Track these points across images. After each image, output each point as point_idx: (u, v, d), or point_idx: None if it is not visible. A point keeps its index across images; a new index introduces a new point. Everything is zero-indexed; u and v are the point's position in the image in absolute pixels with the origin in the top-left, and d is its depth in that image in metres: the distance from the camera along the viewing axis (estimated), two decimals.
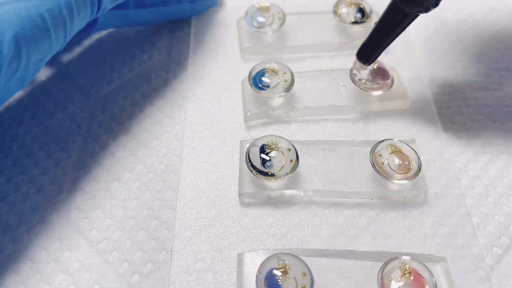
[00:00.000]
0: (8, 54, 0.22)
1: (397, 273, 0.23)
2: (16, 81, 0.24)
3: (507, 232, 0.26)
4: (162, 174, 0.29)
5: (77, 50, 0.36)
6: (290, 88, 0.31)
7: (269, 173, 0.27)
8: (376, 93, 0.31)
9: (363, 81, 0.30)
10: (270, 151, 0.27)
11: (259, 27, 0.35)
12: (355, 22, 0.35)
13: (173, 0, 0.34)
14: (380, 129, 0.31)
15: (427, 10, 0.25)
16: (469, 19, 0.37)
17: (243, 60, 0.35)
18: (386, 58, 0.33)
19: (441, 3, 0.25)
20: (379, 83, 0.30)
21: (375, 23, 0.28)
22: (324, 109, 0.31)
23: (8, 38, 0.22)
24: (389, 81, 0.31)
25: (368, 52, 0.29)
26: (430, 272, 0.23)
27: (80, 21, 0.26)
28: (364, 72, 0.30)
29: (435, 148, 0.30)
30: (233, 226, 0.27)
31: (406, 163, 0.27)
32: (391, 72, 0.31)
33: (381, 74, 0.31)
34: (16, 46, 0.22)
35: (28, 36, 0.23)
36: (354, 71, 0.31)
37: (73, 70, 0.35)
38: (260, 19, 0.35)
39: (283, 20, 0.35)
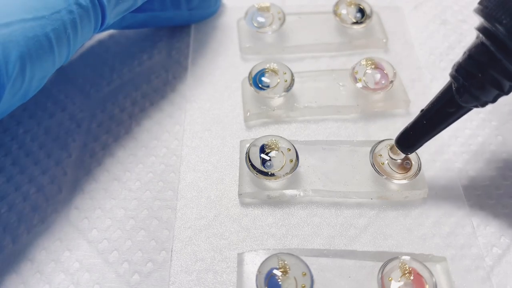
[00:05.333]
0: (12, 74, 0.22)
1: (397, 273, 0.23)
2: (19, 97, 0.24)
3: (507, 232, 0.26)
4: (162, 174, 0.29)
5: (77, 50, 0.36)
6: (290, 88, 0.31)
7: (269, 173, 0.27)
8: (376, 93, 0.31)
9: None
10: (270, 151, 0.27)
11: (259, 27, 0.35)
12: (355, 22, 0.35)
13: (172, 6, 0.34)
14: (380, 129, 0.31)
15: (484, 104, 0.24)
16: (469, 19, 0.37)
17: (243, 60, 0.35)
18: (386, 58, 0.33)
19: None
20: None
21: (422, 110, 0.25)
22: (324, 109, 0.31)
23: (14, 59, 0.22)
24: (389, 81, 0.31)
25: (412, 140, 0.26)
26: (430, 272, 0.23)
27: (84, 37, 0.26)
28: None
29: (435, 148, 0.30)
30: (233, 226, 0.27)
31: (406, 163, 0.27)
32: (391, 72, 0.31)
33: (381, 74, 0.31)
34: (21, 65, 0.23)
35: (33, 56, 0.23)
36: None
37: (73, 70, 0.35)
38: (260, 19, 0.35)
39: (283, 20, 0.35)
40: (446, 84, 0.24)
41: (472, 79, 0.23)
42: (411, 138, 0.26)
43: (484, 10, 0.22)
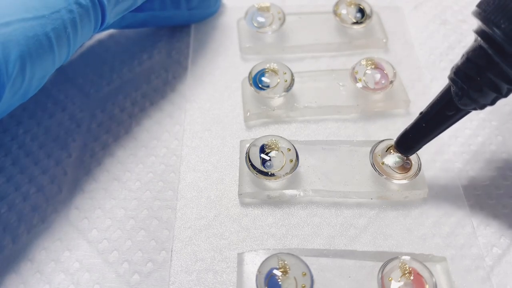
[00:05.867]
0: (12, 73, 0.22)
1: (397, 273, 0.23)
2: (19, 97, 0.24)
3: (507, 232, 0.26)
4: (162, 174, 0.29)
5: (77, 50, 0.36)
6: (290, 88, 0.31)
7: (269, 173, 0.27)
8: (376, 93, 0.31)
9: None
10: (270, 151, 0.27)
11: (259, 27, 0.35)
12: (355, 22, 0.35)
13: (171, 6, 0.34)
14: (380, 129, 0.31)
15: (482, 107, 0.24)
16: (469, 19, 0.37)
17: (243, 60, 0.35)
18: (386, 58, 0.33)
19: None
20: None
21: (421, 113, 0.25)
22: (324, 109, 0.31)
23: (14, 58, 0.22)
24: (389, 81, 0.31)
25: (411, 143, 0.26)
26: (430, 272, 0.23)
27: (84, 36, 0.26)
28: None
29: (435, 148, 0.30)
30: (233, 226, 0.27)
31: (406, 163, 0.27)
32: (391, 72, 0.31)
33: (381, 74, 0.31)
34: (21, 65, 0.23)
35: (33, 55, 0.23)
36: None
37: (73, 70, 0.35)
38: (260, 19, 0.35)
39: (283, 20, 0.35)
40: (445, 87, 0.24)
41: (470, 82, 0.23)
42: (410, 141, 0.26)
43: (482, 13, 0.22)
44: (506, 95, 0.23)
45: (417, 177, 0.27)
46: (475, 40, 0.23)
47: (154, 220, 0.27)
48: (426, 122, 0.25)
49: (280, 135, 0.28)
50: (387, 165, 0.27)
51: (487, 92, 0.23)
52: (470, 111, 0.24)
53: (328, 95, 0.32)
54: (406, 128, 0.26)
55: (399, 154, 0.27)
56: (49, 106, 0.33)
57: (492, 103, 0.23)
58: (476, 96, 0.23)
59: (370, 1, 0.36)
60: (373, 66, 0.31)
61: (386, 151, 0.27)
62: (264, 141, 0.28)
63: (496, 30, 0.21)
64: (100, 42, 0.37)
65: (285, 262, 0.23)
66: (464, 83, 0.23)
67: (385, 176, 0.27)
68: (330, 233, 0.26)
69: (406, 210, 0.27)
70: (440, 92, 0.25)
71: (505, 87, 0.22)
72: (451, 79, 0.24)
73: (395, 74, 0.31)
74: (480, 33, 0.22)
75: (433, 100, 0.25)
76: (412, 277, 0.23)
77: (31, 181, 0.29)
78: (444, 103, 0.24)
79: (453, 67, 0.24)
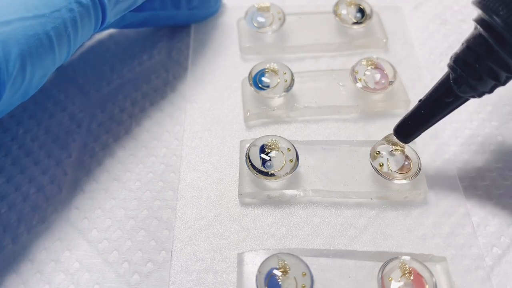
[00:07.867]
0: (13, 72, 0.22)
1: (397, 273, 0.23)
2: (19, 96, 0.24)
3: (507, 232, 0.26)
4: (162, 174, 0.29)
5: (77, 50, 0.36)
6: (290, 88, 0.31)
7: (269, 173, 0.27)
8: (376, 93, 0.31)
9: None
10: (270, 151, 0.27)
11: (259, 27, 0.35)
12: (355, 22, 0.35)
13: (172, 6, 0.34)
14: (380, 129, 0.31)
15: (481, 95, 0.24)
16: (469, 19, 0.37)
17: (243, 60, 0.35)
18: (386, 58, 0.33)
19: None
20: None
21: (420, 100, 0.26)
22: (324, 109, 0.31)
23: (14, 56, 0.22)
24: (388, 81, 0.31)
25: (410, 130, 0.26)
26: (430, 272, 0.23)
27: (84, 36, 0.26)
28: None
29: (435, 148, 0.30)
30: (233, 226, 0.27)
31: (406, 163, 0.27)
32: (391, 72, 0.31)
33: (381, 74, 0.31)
34: (21, 63, 0.23)
35: (33, 54, 0.23)
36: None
37: (73, 70, 0.35)
38: (260, 19, 0.35)
39: (283, 20, 0.35)
40: (444, 75, 0.25)
41: (469, 69, 0.23)
42: (409, 128, 0.26)
43: (482, 1, 0.22)
44: (504, 83, 0.23)
45: (417, 177, 0.27)
46: (475, 28, 0.23)
47: (154, 220, 0.27)
48: (424, 109, 0.25)
49: (280, 135, 0.28)
50: (387, 165, 0.27)
51: (486, 80, 0.23)
52: (469, 99, 0.25)
53: (328, 95, 0.32)
54: (405, 116, 0.26)
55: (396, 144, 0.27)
56: (49, 106, 0.33)
57: (491, 91, 0.24)
58: (475, 83, 0.23)
59: (370, 1, 0.36)
60: (373, 66, 0.31)
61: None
62: (264, 141, 0.28)
63: (496, 18, 0.21)
64: (100, 42, 0.37)
65: (285, 262, 0.23)
66: (463, 70, 0.23)
67: (385, 176, 0.27)
68: (330, 233, 0.26)
69: (406, 210, 0.27)
70: (439, 80, 0.25)
71: (503, 75, 0.23)
72: (450, 66, 0.24)
73: (395, 74, 0.31)
74: (479, 21, 0.23)
75: (432, 88, 0.25)
76: (412, 277, 0.23)
77: (31, 181, 0.29)
78: (443, 91, 0.25)
79: (452, 55, 0.24)
